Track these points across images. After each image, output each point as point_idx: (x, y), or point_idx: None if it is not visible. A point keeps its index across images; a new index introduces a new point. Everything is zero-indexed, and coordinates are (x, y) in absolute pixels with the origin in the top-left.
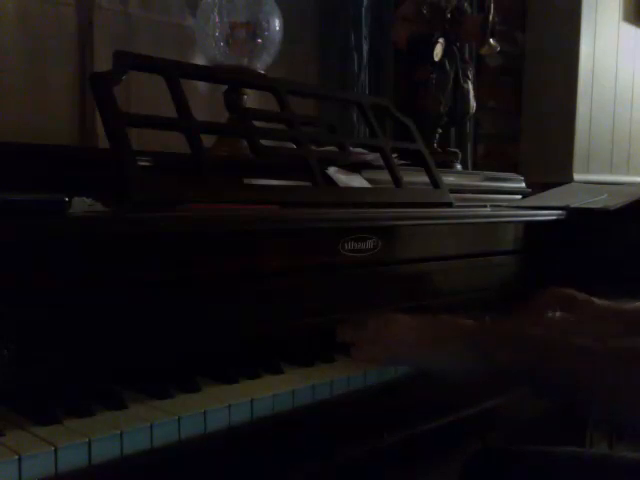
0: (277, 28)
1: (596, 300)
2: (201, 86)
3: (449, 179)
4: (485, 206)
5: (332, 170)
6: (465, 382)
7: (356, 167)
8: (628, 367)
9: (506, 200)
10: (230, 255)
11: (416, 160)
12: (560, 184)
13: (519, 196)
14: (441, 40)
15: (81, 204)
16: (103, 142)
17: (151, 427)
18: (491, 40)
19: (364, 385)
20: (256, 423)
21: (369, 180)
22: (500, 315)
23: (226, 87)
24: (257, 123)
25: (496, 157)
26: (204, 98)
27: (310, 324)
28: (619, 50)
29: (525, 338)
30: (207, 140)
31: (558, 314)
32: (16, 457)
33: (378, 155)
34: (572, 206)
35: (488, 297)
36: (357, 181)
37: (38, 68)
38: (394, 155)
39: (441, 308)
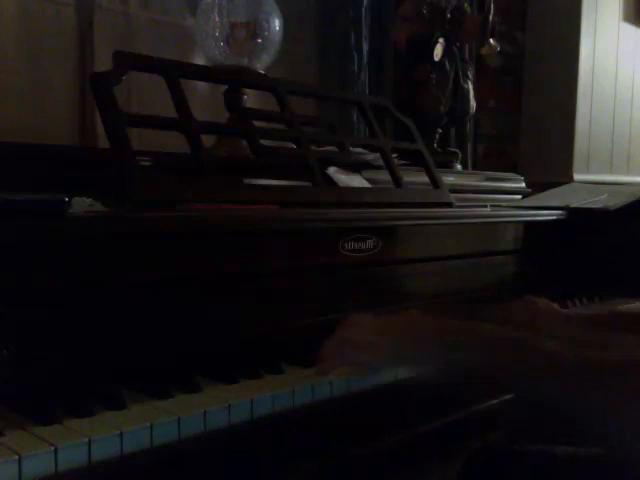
0: (277, 28)
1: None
2: (201, 86)
3: (449, 179)
4: (485, 206)
5: (332, 170)
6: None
7: (356, 167)
8: (596, 379)
9: (506, 200)
10: (230, 255)
11: (416, 160)
12: (560, 184)
13: (519, 196)
14: (441, 40)
15: (81, 204)
16: (103, 142)
17: (151, 427)
18: (491, 40)
19: (364, 385)
20: (256, 423)
21: (369, 180)
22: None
23: (226, 87)
24: (257, 123)
25: (496, 157)
26: (204, 98)
27: (310, 324)
28: (619, 50)
29: (493, 338)
30: (207, 140)
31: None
32: (16, 457)
33: (378, 155)
34: (572, 206)
35: (488, 297)
36: (357, 181)
37: (38, 68)
38: (394, 155)
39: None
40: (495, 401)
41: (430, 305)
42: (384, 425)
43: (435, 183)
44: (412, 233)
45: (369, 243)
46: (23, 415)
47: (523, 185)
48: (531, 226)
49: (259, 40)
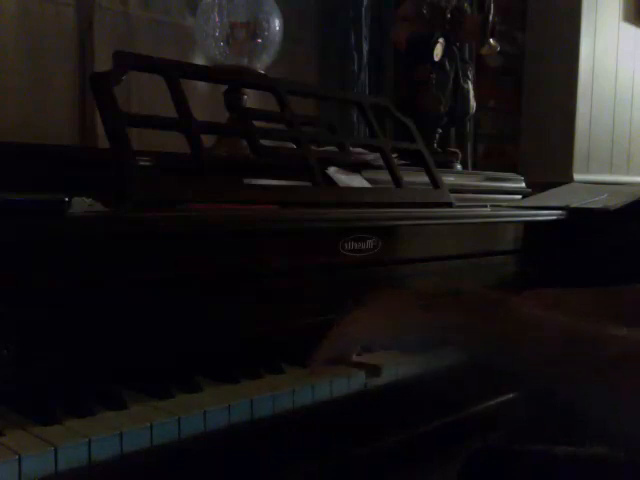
0: (277, 28)
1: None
2: (201, 86)
3: (449, 179)
4: (485, 206)
5: (332, 170)
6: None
7: (356, 167)
8: (597, 375)
9: (506, 200)
10: (230, 255)
11: (416, 160)
12: (560, 184)
13: (519, 196)
14: (441, 40)
15: (81, 204)
16: (103, 142)
17: (151, 427)
18: (491, 40)
19: (364, 385)
20: (256, 423)
21: (369, 180)
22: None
23: (226, 87)
24: (257, 123)
25: (496, 157)
26: (204, 98)
27: (310, 324)
28: (619, 50)
29: (494, 337)
30: (207, 140)
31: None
32: (16, 457)
33: (378, 155)
34: (572, 206)
35: None
36: (357, 181)
37: (38, 68)
38: (394, 155)
39: None
40: (495, 401)
41: (431, 303)
42: (384, 425)
43: (435, 183)
44: (412, 233)
45: (369, 243)
46: (23, 415)
47: (523, 185)
48: (531, 226)
49: (259, 40)
